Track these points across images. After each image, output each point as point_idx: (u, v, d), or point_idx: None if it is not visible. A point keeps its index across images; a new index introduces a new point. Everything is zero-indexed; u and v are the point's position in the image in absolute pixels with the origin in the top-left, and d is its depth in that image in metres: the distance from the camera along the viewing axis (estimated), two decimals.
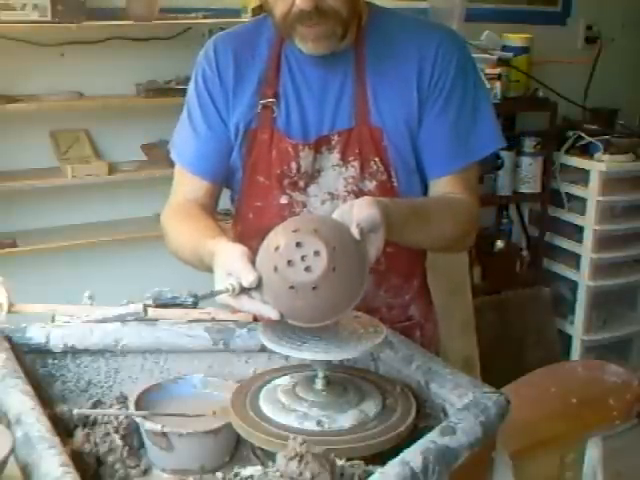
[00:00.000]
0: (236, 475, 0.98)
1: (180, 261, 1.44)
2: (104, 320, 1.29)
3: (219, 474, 1.01)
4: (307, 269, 1.04)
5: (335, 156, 1.38)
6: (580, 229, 3.44)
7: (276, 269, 1.06)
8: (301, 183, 1.39)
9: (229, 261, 1.15)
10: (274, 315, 1.08)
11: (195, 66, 1.48)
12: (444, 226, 1.35)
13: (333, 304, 1.07)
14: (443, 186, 1.41)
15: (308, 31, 1.29)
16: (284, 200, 1.40)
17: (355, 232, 1.07)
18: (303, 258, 1.05)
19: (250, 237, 1.48)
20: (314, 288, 1.05)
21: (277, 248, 1.07)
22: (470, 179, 1.42)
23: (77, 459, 1.02)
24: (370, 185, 1.38)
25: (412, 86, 1.37)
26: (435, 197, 1.41)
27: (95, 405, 1.19)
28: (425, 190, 1.47)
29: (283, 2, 1.27)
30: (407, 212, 1.23)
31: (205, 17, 2.97)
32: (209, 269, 1.22)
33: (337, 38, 1.31)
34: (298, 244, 1.05)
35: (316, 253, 1.04)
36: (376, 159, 1.37)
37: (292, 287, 1.05)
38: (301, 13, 1.25)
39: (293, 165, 1.38)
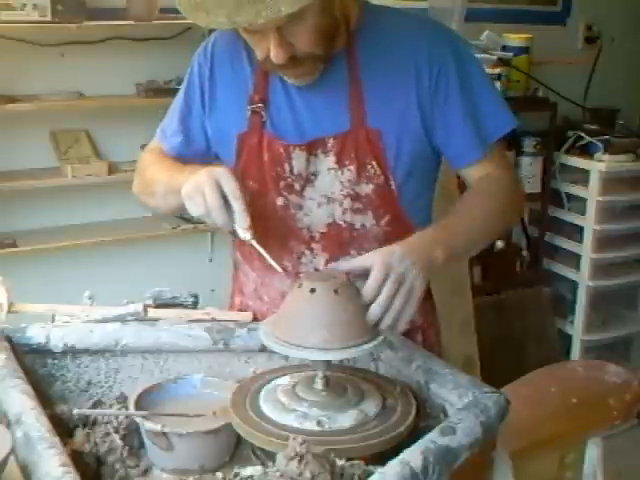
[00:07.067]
0: (236, 475, 0.98)
1: (144, 195, 1.55)
2: (104, 320, 1.29)
3: (219, 474, 1.01)
4: None
5: (331, 159, 1.37)
6: (580, 229, 3.43)
7: None
8: (297, 186, 1.39)
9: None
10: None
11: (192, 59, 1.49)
12: (490, 216, 1.36)
13: None
14: (474, 172, 1.41)
15: (288, 73, 1.32)
16: (280, 202, 1.40)
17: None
18: None
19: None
20: None
21: None
22: (495, 157, 1.42)
23: (77, 459, 1.02)
24: (367, 188, 1.37)
25: (410, 86, 1.35)
26: (468, 194, 1.41)
27: (95, 405, 1.19)
28: (428, 191, 1.47)
29: (260, 50, 1.26)
30: (445, 233, 1.26)
31: None
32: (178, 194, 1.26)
33: (319, 69, 1.32)
34: None
35: None
36: (373, 162, 1.35)
37: None
38: (277, 64, 1.25)
39: (286, 167, 1.37)
